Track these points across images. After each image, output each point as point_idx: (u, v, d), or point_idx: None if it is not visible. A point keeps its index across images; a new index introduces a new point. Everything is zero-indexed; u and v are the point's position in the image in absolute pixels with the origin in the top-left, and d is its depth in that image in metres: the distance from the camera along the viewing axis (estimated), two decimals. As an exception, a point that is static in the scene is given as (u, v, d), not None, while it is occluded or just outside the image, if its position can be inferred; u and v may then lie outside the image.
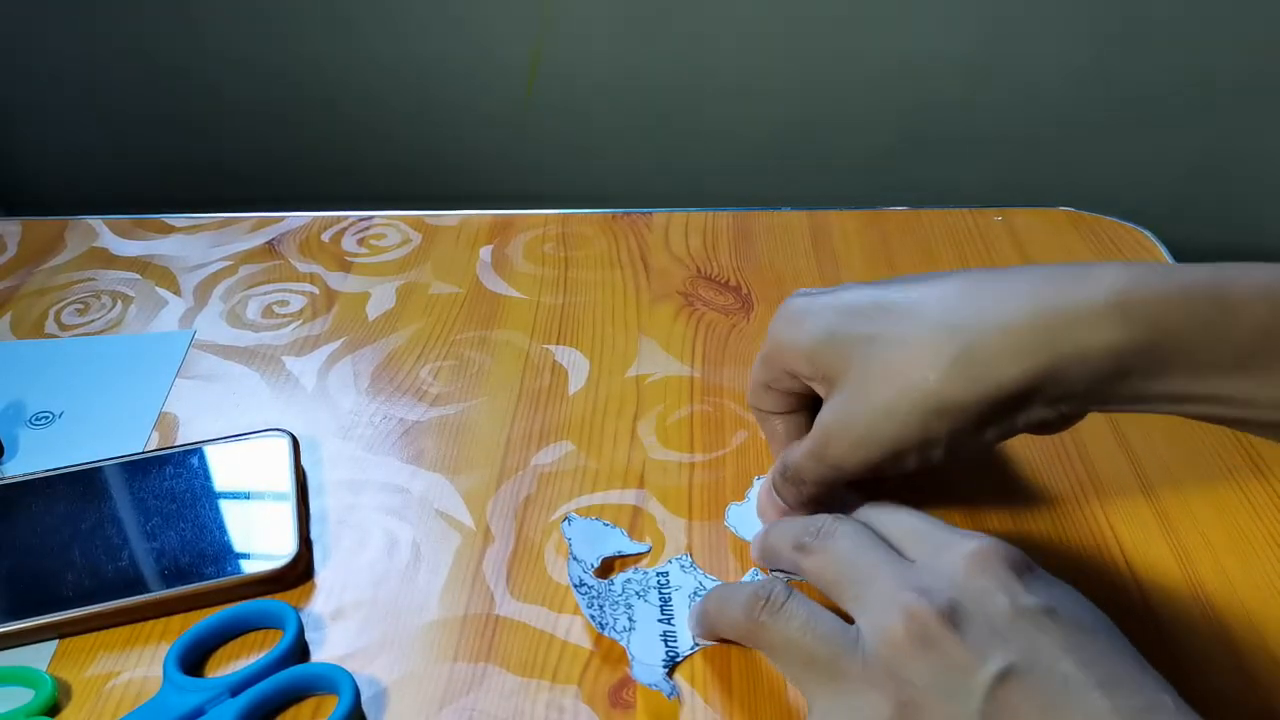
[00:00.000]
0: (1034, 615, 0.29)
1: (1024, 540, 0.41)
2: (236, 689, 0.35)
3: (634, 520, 0.42)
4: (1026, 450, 0.45)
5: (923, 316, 0.35)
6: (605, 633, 0.37)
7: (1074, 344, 0.33)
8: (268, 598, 0.39)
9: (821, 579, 0.33)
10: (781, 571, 0.37)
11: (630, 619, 0.38)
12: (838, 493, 0.38)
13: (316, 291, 0.57)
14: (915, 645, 0.29)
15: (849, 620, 0.32)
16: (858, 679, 0.30)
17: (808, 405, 0.40)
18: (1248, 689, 0.35)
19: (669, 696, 0.35)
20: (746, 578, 0.40)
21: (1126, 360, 0.33)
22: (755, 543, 0.38)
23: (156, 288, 0.57)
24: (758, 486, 0.43)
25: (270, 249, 0.60)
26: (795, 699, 0.35)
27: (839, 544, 0.33)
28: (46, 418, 0.49)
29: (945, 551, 0.31)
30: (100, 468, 0.44)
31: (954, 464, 0.36)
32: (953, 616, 0.29)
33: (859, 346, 0.36)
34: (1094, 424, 0.46)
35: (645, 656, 0.36)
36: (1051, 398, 0.34)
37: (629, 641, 0.37)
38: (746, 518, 0.42)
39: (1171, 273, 0.33)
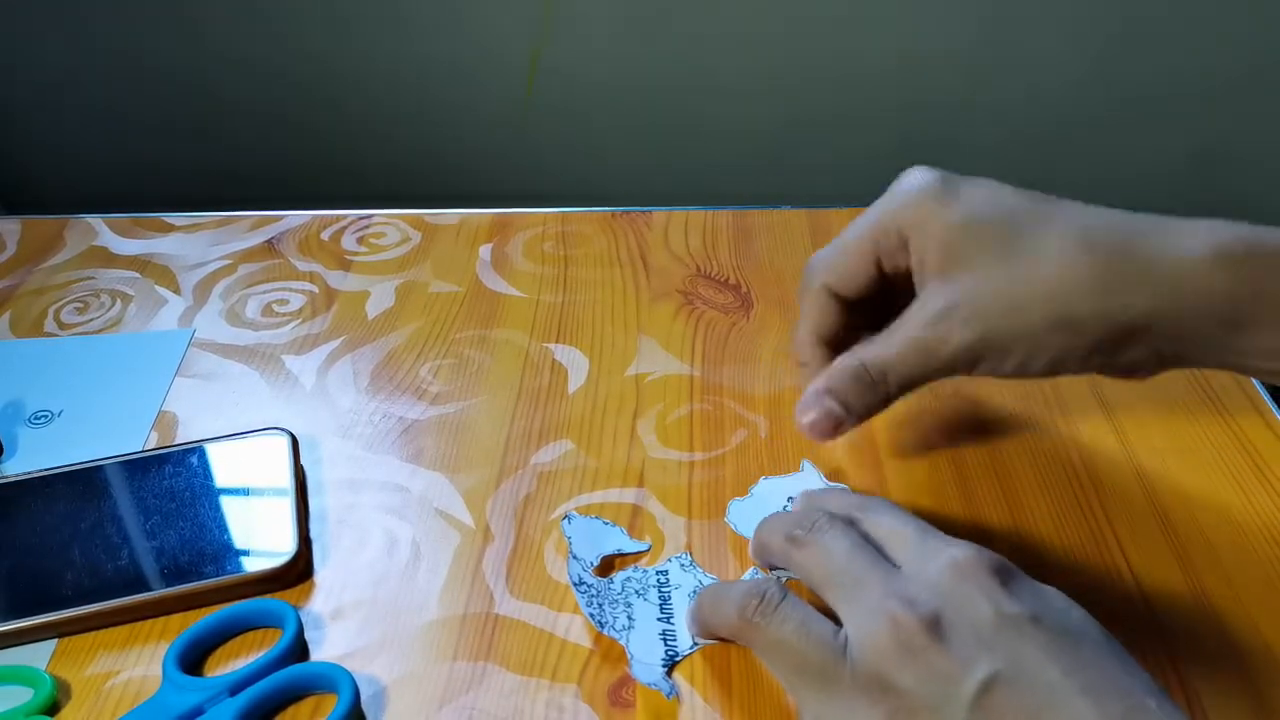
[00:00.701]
0: (1018, 622, 0.29)
1: (1024, 540, 0.41)
2: (236, 688, 0.35)
3: (634, 519, 0.42)
4: (1027, 450, 0.45)
5: (1066, 229, 0.36)
6: (605, 631, 0.37)
7: (1187, 288, 0.34)
8: (267, 597, 0.39)
9: (810, 575, 0.34)
10: (778, 571, 0.37)
11: (630, 618, 0.38)
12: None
13: (316, 290, 0.57)
14: (901, 654, 0.29)
15: (838, 620, 0.32)
16: (847, 686, 0.30)
17: (865, 301, 0.41)
18: (1248, 689, 0.35)
19: (668, 696, 0.35)
20: (745, 577, 0.40)
21: (1228, 313, 0.34)
22: (752, 541, 0.38)
23: (156, 286, 0.57)
24: (761, 484, 0.43)
25: (270, 248, 0.60)
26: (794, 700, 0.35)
27: (829, 540, 0.33)
28: (45, 417, 0.49)
29: (931, 559, 0.31)
30: (99, 467, 0.44)
31: (1045, 377, 0.37)
32: (937, 626, 0.29)
33: (1000, 238, 0.37)
34: (1094, 422, 0.46)
35: (644, 655, 0.36)
36: (1163, 336, 0.35)
37: (628, 640, 0.37)
38: (747, 514, 0.42)
39: (1275, 232, 0.35)
